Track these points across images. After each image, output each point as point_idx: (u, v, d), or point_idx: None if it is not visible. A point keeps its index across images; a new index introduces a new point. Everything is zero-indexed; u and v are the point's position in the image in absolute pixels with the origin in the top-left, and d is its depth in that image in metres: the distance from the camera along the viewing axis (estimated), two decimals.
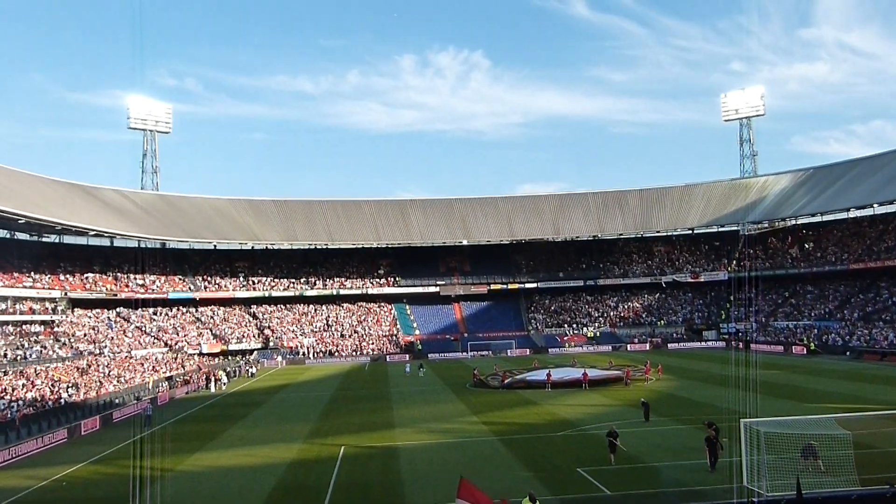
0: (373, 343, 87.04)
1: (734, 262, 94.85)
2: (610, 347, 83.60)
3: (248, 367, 71.76)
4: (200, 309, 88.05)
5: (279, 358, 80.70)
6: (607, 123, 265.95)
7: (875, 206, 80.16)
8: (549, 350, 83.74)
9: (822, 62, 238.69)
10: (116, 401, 48.29)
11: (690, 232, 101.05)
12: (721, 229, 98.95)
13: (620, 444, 26.54)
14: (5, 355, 53.17)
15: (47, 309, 67.16)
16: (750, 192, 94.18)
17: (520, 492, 20.03)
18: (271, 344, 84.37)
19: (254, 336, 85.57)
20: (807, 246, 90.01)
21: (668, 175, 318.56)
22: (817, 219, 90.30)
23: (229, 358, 78.46)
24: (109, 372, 55.52)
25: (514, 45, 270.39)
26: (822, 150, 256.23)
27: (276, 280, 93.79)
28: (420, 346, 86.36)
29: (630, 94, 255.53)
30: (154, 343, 74.54)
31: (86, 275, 77.99)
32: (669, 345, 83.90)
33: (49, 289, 69.48)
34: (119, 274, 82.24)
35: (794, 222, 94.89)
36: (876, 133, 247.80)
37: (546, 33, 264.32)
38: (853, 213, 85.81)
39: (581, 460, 27.25)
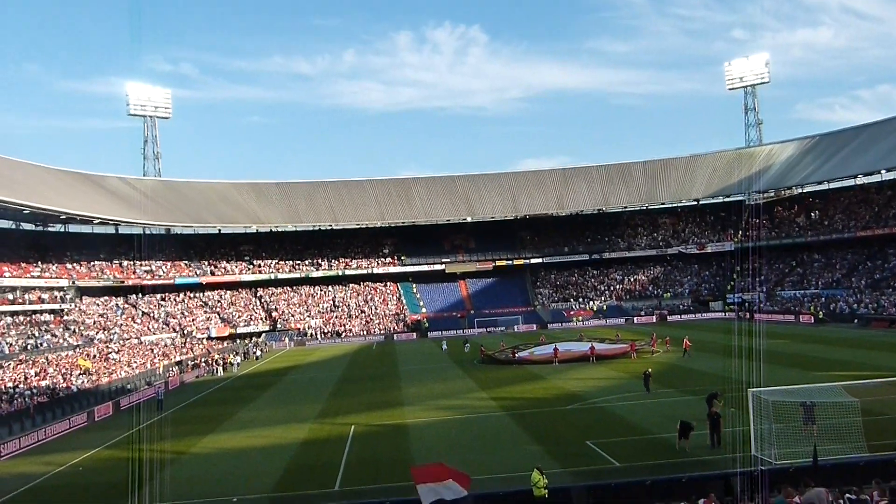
0: (380, 322, 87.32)
1: (740, 232, 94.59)
2: (623, 320, 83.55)
3: (254, 350, 72.11)
4: (207, 293, 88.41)
5: (287, 340, 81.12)
6: (609, 95, 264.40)
7: (882, 172, 79.57)
8: (556, 325, 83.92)
9: (825, 27, 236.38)
10: (128, 386, 48.67)
11: (696, 203, 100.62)
12: (727, 199, 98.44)
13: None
14: (18, 345, 53.62)
15: (56, 298, 67.47)
16: (755, 161, 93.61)
17: (529, 466, 20.20)
18: (278, 326, 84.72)
19: (261, 319, 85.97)
20: (813, 214, 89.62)
21: (672, 146, 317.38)
22: (824, 186, 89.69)
23: (238, 341, 78.87)
24: (120, 358, 55.92)
25: (512, 18, 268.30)
26: (827, 116, 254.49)
27: (281, 262, 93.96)
28: (427, 324, 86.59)
29: (631, 65, 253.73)
30: (163, 329, 74.99)
31: (92, 263, 78.30)
32: (676, 316, 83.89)
33: (57, 278, 69.81)
34: (125, 261, 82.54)
35: (800, 190, 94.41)
36: (882, 98, 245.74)
37: (543, 5, 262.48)
38: (860, 180, 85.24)
39: (590, 433, 27.46)
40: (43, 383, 43.46)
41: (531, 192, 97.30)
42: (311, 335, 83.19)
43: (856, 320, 65.38)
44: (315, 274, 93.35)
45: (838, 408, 23.43)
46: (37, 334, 58.29)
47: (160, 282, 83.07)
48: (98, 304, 74.15)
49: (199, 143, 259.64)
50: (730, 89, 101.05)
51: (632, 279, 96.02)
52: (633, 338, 57.59)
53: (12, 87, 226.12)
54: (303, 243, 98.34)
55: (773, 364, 39.91)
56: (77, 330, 63.48)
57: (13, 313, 60.96)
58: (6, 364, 46.57)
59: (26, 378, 43.72)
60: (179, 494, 22.57)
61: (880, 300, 66.82)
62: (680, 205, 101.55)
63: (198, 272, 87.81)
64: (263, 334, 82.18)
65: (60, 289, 69.49)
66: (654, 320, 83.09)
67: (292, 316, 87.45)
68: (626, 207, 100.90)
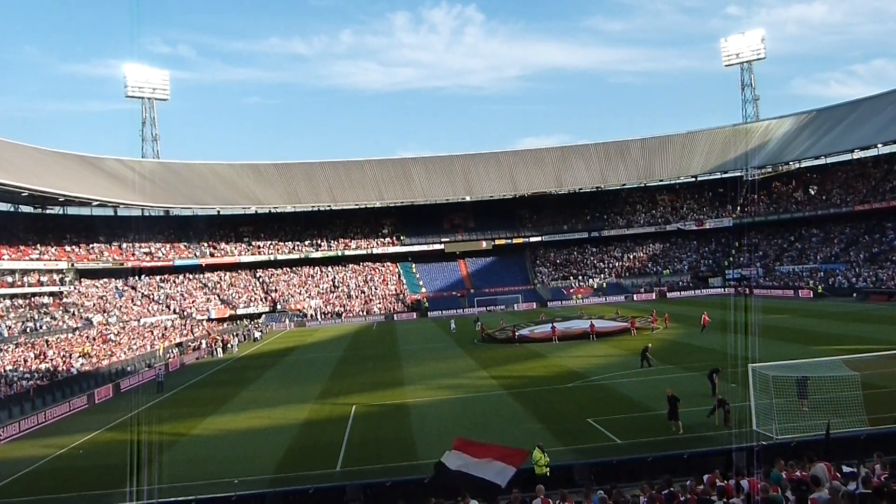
0: (380, 303, 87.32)
1: (739, 207, 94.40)
2: (622, 298, 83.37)
3: (254, 332, 72.03)
4: (207, 275, 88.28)
5: (287, 321, 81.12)
6: (606, 74, 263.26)
7: (879, 146, 79.60)
8: (556, 303, 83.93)
9: (819, 2, 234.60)
10: (128, 369, 48.71)
11: (694, 179, 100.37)
12: (725, 175, 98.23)
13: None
14: (17, 328, 53.58)
15: (55, 280, 67.40)
16: (753, 136, 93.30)
17: (530, 444, 20.17)
18: (278, 307, 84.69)
19: (261, 300, 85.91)
20: (811, 189, 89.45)
21: (669, 123, 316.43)
22: (821, 161, 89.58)
23: (242, 321, 78.80)
24: (120, 340, 55.93)
25: None
26: (823, 91, 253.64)
27: (280, 243, 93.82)
28: (427, 304, 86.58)
29: (627, 43, 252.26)
30: (163, 310, 74.93)
31: (91, 245, 78.12)
32: (675, 293, 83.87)
33: (56, 260, 69.64)
34: (124, 243, 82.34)
35: (797, 166, 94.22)
36: (877, 73, 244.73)
37: None
38: (857, 155, 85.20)
39: (591, 410, 27.47)
40: (42, 366, 43.48)
41: (530, 171, 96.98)
42: (311, 316, 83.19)
43: (854, 294, 65.39)
44: (314, 254, 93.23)
45: (838, 381, 23.38)
46: (36, 317, 58.21)
47: (159, 263, 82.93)
48: (97, 287, 74.00)
49: (198, 125, 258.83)
50: (726, 66, 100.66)
51: (631, 256, 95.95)
52: (633, 315, 57.55)
53: (11, 69, 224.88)
54: (302, 224, 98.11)
55: (773, 339, 39.98)
56: (76, 312, 63.42)
57: (12, 296, 60.84)
58: (5, 347, 46.52)
59: (26, 361, 43.74)
60: (180, 476, 22.53)
61: (878, 274, 66.83)
62: (678, 181, 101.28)
63: (197, 254, 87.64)
64: (263, 315, 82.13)
65: (59, 271, 69.37)
66: (654, 297, 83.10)
67: (292, 297, 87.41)
68: (624, 185, 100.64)
